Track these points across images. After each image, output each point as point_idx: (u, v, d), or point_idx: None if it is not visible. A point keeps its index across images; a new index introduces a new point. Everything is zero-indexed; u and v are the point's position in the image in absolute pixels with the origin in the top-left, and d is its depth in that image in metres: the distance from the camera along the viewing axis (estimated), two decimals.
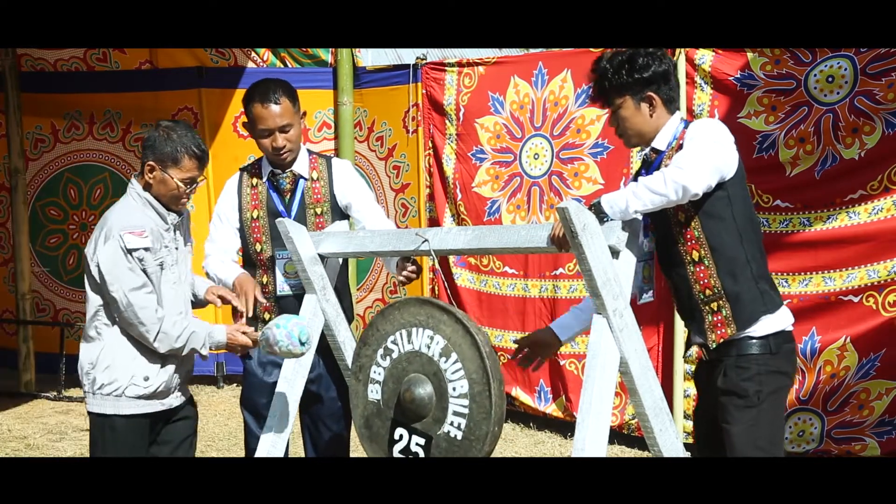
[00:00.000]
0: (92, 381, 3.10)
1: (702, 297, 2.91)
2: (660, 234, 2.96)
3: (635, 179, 2.94)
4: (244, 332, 3.13)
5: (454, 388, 2.78)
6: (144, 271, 3.05)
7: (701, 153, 2.71)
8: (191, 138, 3.11)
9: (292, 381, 3.22)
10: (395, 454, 2.92)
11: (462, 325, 2.78)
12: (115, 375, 3.07)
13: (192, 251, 3.34)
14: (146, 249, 3.04)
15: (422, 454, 2.86)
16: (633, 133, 2.96)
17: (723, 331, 2.87)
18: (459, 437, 2.77)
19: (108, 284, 3.01)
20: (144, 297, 3.03)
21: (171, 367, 3.13)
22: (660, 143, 2.92)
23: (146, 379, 3.08)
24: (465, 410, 2.75)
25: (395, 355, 2.94)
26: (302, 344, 2.98)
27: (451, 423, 2.78)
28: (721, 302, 2.87)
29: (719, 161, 2.75)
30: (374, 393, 3.01)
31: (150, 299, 3.04)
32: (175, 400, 3.19)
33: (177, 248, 3.18)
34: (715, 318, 2.89)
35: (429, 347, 2.84)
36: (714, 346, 2.90)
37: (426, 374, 2.85)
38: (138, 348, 3.08)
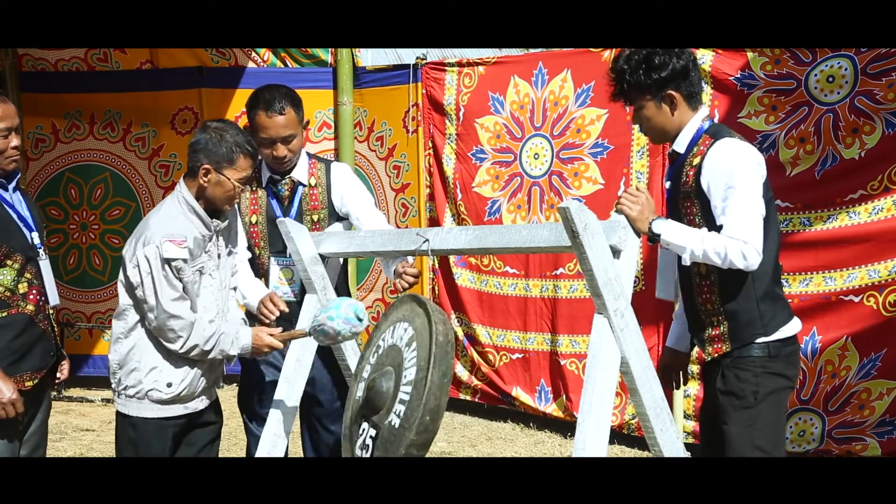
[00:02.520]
0: (118, 382, 3.13)
1: (703, 309, 2.92)
2: None
3: (667, 181, 2.94)
4: (271, 335, 3.11)
5: (405, 376, 2.70)
6: (181, 280, 3.03)
7: (753, 221, 2.72)
8: (242, 136, 3.09)
9: (292, 381, 3.22)
10: (357, 450, 2.83)
11: (427, 316, 2.70)
12: (140, 378, 3.09)
13: (238, 255, 3.34)
14: (184, 260, 3.01)
15: (371, 446, 2.76)
16: (656, 132, 2.95)
17: (719, 346, 2.89)
18: (396, 425, 2.65)
19: (144, 289, 3.00)
20: (178, 307, 3.01)
21: (196, 373, 3.13)
22: (680, 145, 2.91)
23: (169, 385, 3.08)
24: (407, 397, 2.66)
25: (380, 351, 2.90)
26: (360, 321, 2.94)
27: (395, 412, 2.69)
28: (720, 318, 2.88)
29: (761, 221, 2.76)
30: (360, 391, 2.90)
31: (183, 308, 3.02)
32: (200, 403, 3.19)
33: (219, 255, 3.15)
34: (714, 332, 2.90)
35: (402, 339, 2.81)
36: (710, 359, 2.91)
37: (393, 366, 2.77)
38: (164, 353, 3.07)
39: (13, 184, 3.19)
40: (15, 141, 3.14)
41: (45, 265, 3.21)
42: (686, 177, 2.85)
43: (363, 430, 2.79)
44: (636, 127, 5.26)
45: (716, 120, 4.73)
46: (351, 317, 2.91)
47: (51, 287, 3.23)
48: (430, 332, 2.65)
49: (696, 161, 2.83)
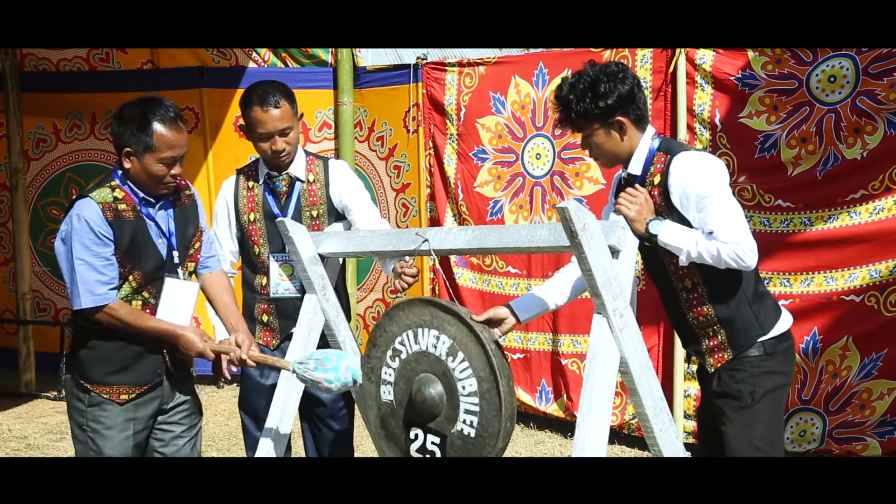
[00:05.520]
0: None
1: (696, 322, 2.91)
2: (653, 263, 2.96)
3: (617, 194, 2.92)
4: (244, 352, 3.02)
5: (464, 387, 2.80)
6: None
7: (739, 222, 2.72)
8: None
9: (292, 381, 3.21)
10: (413, 453, 2.93)
11: (466, 324, 2.78)
12: None
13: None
14: None
15: (438, 452, 2.87)
16: (607, 158, 2.93)
17: (720, 355, 2.88)
18: (473, 435, 2.78)
19: None
20: None
21: None
22: (635, 167, 2.89)
23: None
24: (476, 408, 2.77)
25: (403, 356, 2.94)
26: (355, 383, 2.96)
27: (464, 422, 2.80)
28: (716, 328, 2.87)
29: (745, 221, 2.76)
30: (387, 394, 3.01)
31: None
32: None
33: None
34: (711, 343, 2.89)
35: (435, 347, 2.85)
36: (712, 370, 2.90)
37: (435, 374, 2.85)
38: None
39: (162, 200, 3.10)
40: (175, 169, 3.04)
41: (180, 286, 3.09)
42: (651, 197, 2.84)
43: (416, 435, 2.90)
44: None
45: (717, 119, 4.74)
46: (348, 380, 2.93)
47: (176, 309, 3.08)
48: (480, 342, 2.74)
49: (656, 180, 2.83)
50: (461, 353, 2.79)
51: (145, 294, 3.06)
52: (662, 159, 2.83)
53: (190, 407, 3.24)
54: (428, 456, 2.91)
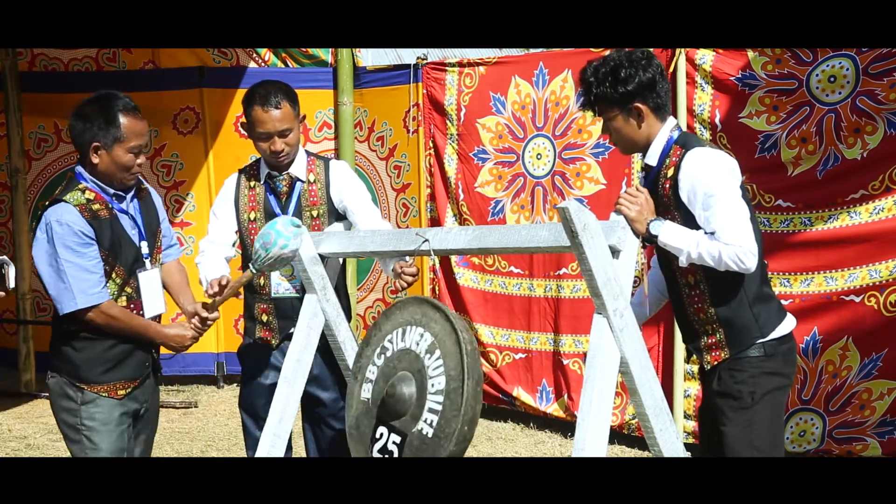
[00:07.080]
0: None
1: (696, 319, 2.92)
2: (661, 256, 2.97)
3: (645, 185, 2.93)
4: (196, 312, 3.19)
5: (432, 385, 2.73)
6: None
7: (742, 225, 2.72)
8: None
9: (292, 381, 3.22)
10: (374, 453, 2.87)
11: (449, 322, 2.75)
12: None
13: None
14: None
15: (396, 452, 2.81)
16: (625, 144, 2.95)
17: (717, 353, 2.88)
18: (430, 435, 2.71)
19: None
20: None
21: None
22: (651, 158, 2.90)
23: None
24: (439, 407, 2.69)
25: (388, 354, 2.91)
26: (298, 227, 3.06)
27: (425, 421, 2.73)
28: (715, 326, 2.88)
29: (749, 223, 2.76)
30: (366, 392, 2.96)
31: None
32: None
33: None
34: (710, 340, 2.90)
35: (418, 344, 2.80)
36: (709, 367, 2.91)
37: (412, 372, 2.80)
38: None
39: (132, 193, 3.20)
40: (141, 158, 3.15)
41: (149, 275, 3.19)
42: (663, 189, 2.85)
43: (381, 434, 2.83)
44: None
45: (717, 119, 4.75)
46: (292, 230, 3.02)
47: (152, 298, 3.20)
48: (458, 341, 2.70)
49: (670, 173, 2.83)
50: (438, 351, 2.74)
51: (128, 289, 3.14)
52: (678, 152, 2.83)
53: (155, 408, 3.35)
54: (388, 455, 2.84)
